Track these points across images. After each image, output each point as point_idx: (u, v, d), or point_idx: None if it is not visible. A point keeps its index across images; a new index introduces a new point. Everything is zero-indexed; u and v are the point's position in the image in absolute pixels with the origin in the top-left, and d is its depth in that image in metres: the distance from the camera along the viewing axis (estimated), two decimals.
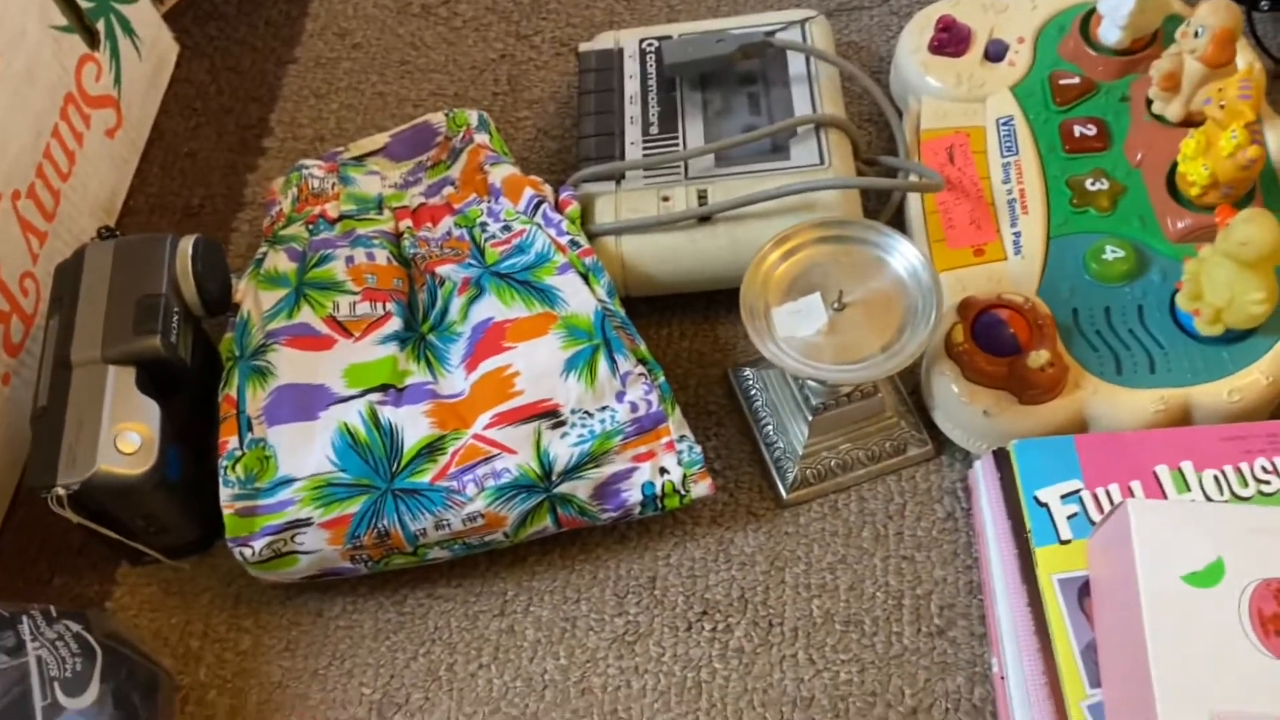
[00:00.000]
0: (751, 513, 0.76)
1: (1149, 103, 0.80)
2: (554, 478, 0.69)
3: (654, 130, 0.84)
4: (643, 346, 0.73)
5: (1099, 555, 0.64)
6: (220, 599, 0.76)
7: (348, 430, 0.69)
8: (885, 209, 0.84)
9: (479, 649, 0.73)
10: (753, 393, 0.79)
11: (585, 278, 0.74)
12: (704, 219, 0.78)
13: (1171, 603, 0.57)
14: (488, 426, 0.69)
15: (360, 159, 0.87)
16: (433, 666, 0.73)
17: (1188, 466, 0.68)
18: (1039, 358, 0.70)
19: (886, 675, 0.69)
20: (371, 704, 0.72)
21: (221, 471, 0.68)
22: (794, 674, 0.70)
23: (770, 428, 0.77)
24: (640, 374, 0.71)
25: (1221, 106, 0.71)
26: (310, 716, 0.72)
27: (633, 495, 0.71)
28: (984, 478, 0.71)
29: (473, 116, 0.85)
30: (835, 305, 0.67)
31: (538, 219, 0.77)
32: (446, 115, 0.87)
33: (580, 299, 0.72)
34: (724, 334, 0.83)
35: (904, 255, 0.67)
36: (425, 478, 0.68)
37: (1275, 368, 0.70)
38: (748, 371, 0.79)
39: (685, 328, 0.84)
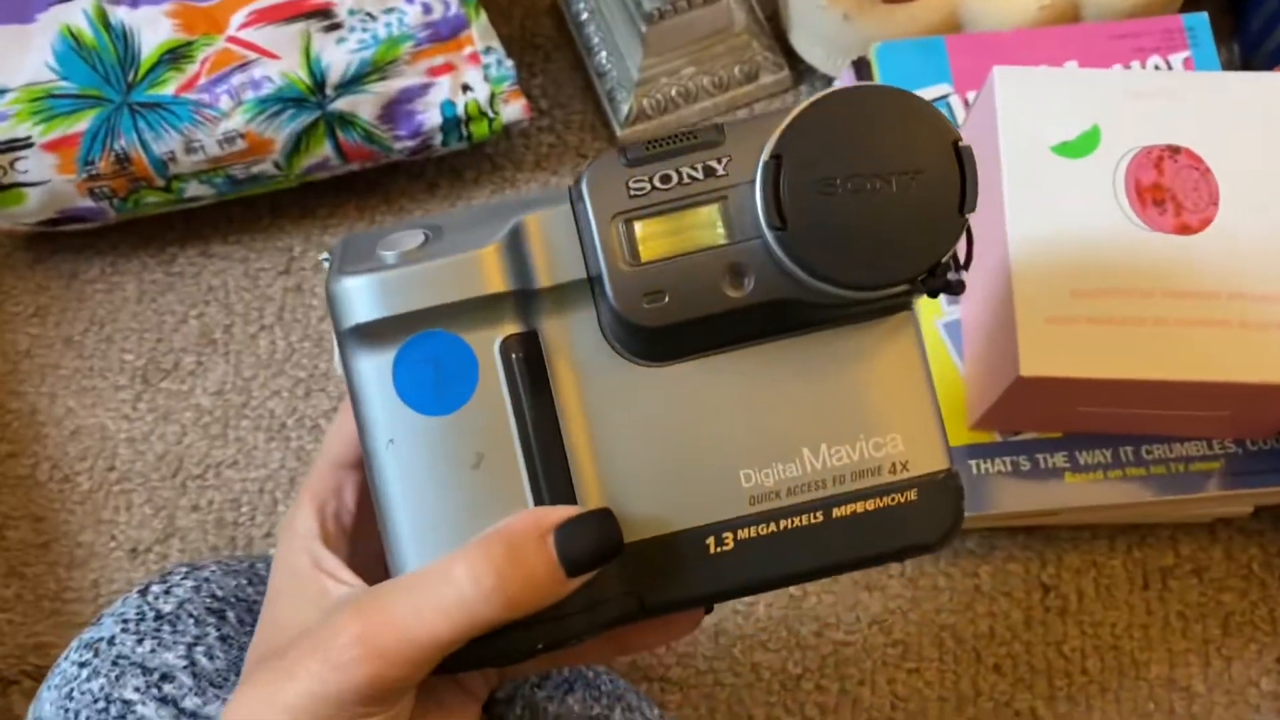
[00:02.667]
0: (581, 154, 0.66)
1: None
2: (329, 90, 0.58)
3: None
4: None
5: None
6: None
7: (70, 33, 0.57)
8: None
9: (260, 309, 0.63)
10: (584, 17, 0.67)
11: None
12: None
13: (1037, 174, 0.48)
14: (243, 26, 0.57)
15: None
16: (206, 329, 0.63)
17: (1072, 67, 0.58)
18: None
19: None
20: (135, 371, 0.62)
21: None
22: None
23: (603, 55, 0.66)
24: None
25: None
26: (64, 386, 0.62)
27: (430, 117, 0.60)
28: None
29: None
30: None
31: None
32: None
33: None
34: None
35: None
36: (168, 89, 0.57)
37: None
38: None
39: None
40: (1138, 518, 0.55)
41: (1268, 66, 0.61)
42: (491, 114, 0.60)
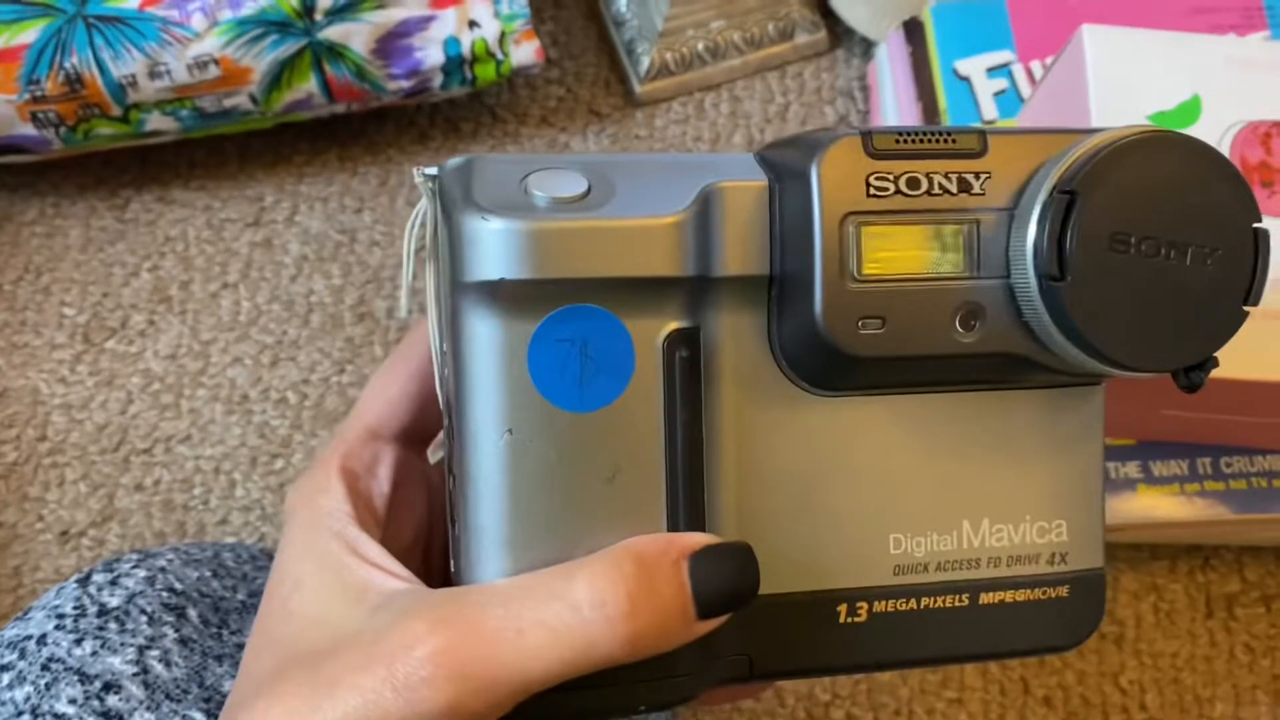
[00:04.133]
0: (594, 111, 0.59)
1: None
2: (318, 16, 0.50)
3: None
4: None
5: (1041, 118, 0.49)
6: None
7: None
8: None
9: (224, 265, 0.55)
10: None
11: None
12: None
13: None
14: None
15: None
16: (161, 284, 0.55)
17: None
18: None
19: None
20: (76, 327, 0.54)
21: None
22: None
23: (623, 3, 0.59)
24: None
25: None
26: None
27: (430, 55, 0.53)
28: (890, 58, 0.55)
29: None
30: None
31: None
32: None
33: None
34: None
35: None
36: (132, 1, 0.49)
37: None
38: None
39: None
40: (1205, 538, 0.50)
41: None
42: (500, 55, 0.54)
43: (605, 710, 0.23)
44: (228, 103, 0.52)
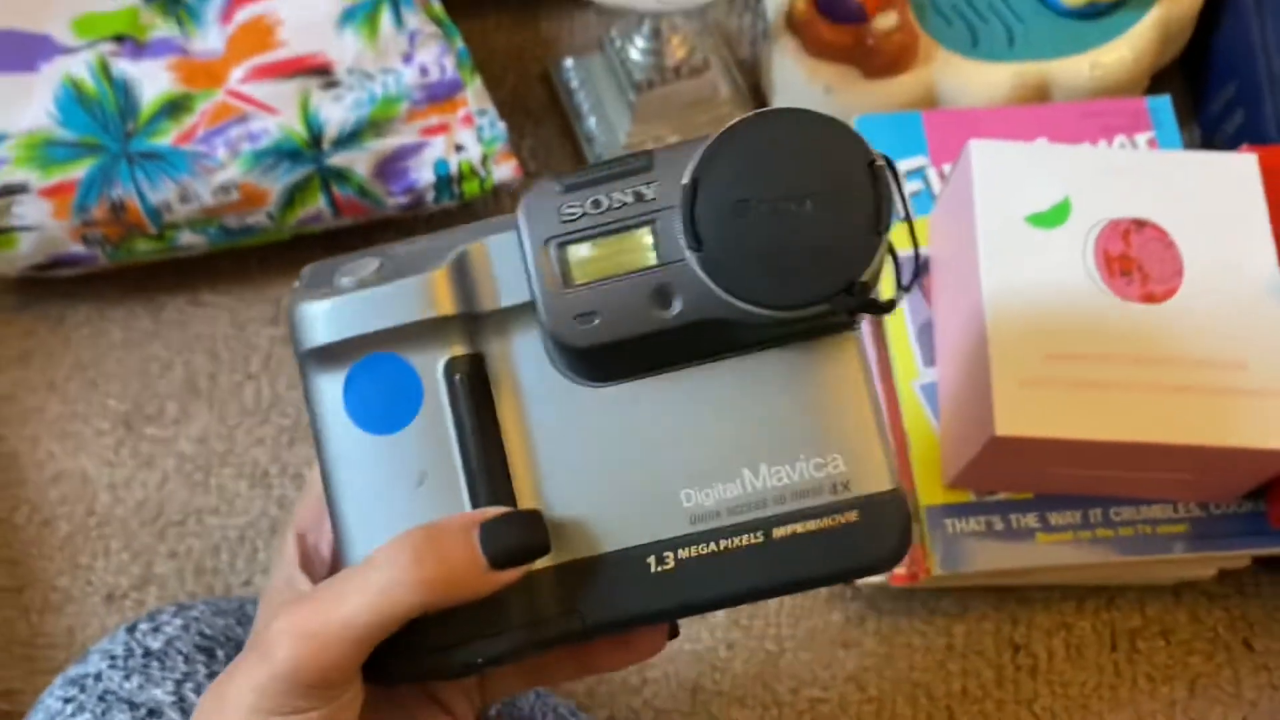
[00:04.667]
0: None
1: None
2: (325, 146, 0.59)
3: None
4: (437, 5, 0.63)
5: (942, 218, 0.57)
6: None
7: (72, 83, 0.58)
8: None
9: (247, 358, 0.64)
10: (574, 85, 0.69)
11: None
12: None
13: (1011, 243, 0.50)
14: (243, 80, 0.58)
15: None
16: (191, 377, 0.63)
17: (1042, 143, 0.61)
18: (886, 19, 0.61)
19: None
20: (118, 416, 0.62)
21: None
22: None
23: (592, 122, 0.68)
24: (433, 34, 0.61)
25: None
26: (46, 430, 0.62)
27: (423, 176, 0.61)
28: None
29: None
30: None
31: None
32: None
33: None
34: (547, 27, 0.73)
35: None
36: (166, 139, 0.58)
37: (1141, 43, 0.64)
38: (569, 63, 0.70)
39: (503, 20, 0.74)
40: (1106, 579, 0.57)
41: (1227, 148, 0.64)
42: (483, 174, 0.62)
43: (450, 664, 0.29)
44: (248, 220, 0.60)
